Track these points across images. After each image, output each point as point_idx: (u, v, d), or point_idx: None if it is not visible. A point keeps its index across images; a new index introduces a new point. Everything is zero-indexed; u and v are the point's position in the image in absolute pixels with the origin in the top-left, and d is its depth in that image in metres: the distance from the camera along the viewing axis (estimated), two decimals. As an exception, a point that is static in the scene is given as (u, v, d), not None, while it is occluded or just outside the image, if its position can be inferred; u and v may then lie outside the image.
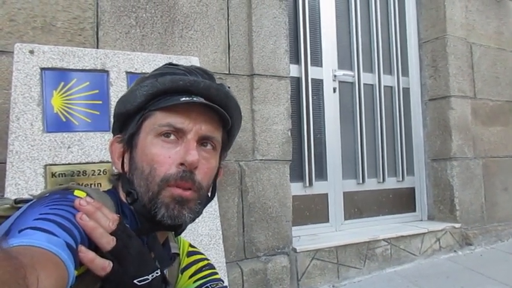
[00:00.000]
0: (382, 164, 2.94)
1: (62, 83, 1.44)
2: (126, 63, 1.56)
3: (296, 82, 2.61)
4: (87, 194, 0.61)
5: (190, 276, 0.81)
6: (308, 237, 2.49)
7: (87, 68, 1.49)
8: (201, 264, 0.84)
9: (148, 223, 0.66)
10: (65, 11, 1.73)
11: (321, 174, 2.71)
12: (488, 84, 3.24)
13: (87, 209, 0.55)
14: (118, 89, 1.51)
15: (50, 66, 1.42)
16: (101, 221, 0.55)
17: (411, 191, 3.11)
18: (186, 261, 0.83)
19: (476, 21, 3.23)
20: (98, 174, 1.44)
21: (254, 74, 2.18)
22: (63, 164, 1.40)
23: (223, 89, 0.71)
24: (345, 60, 2.87)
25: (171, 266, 0.74)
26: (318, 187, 2.66)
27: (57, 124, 1.41)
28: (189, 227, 0.75)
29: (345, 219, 2.76)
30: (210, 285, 0.80)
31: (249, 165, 2.13)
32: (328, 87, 2.76)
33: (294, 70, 2.55)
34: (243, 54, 2.19)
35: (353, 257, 2.38)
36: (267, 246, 2.13)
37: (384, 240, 2.51)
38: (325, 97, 2.75)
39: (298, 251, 2.20)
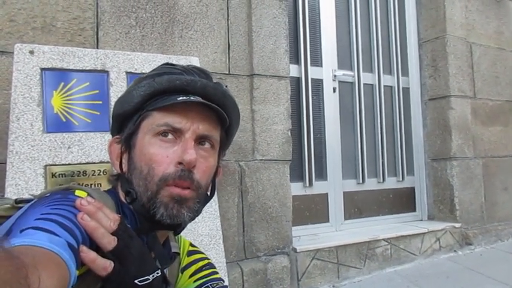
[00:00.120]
0: (382, 163, 2.94)
1: (62, 83, 1.44)
2: (126, 64, 1.57)
3: (296, 82, 2.61)
4: (88, 194, 0.61)
5: (191, 276, 0.81)
6: (308, 237, 2.49)
7: (87, 68, 1.49)
8: (201, 263, 0.84)
9: (147, 223, 0.66)
10: (65, 11, 1.73)
11: (321, 174, 2.71)
12: (488, 84, 3.24)
13: (88, 209, 0.55)
14: (118, 89, 1.51)
15: (50, 66, 1.42)
16: (102, 221, 0.55)
17: (411, 191, 3.11)
18: (186, 260, 0.83)
19: (476, 21, 3.24)
20: (98, 174, 1.44)
21: (254, 74, 2.18)
22: (63, 164, 1.40)
23: (221, 88, 0.71)
24: (344, 60, 2.87)
25: (171, 265, 0.74)
26: (318, 187, 2.66)
27: (57, 124, 1.41)
28: (189, 227, 0.75)
29: (345, 219, 2.76)
30: (211, 284, 0.80)
31: (249, 165, 2.13)
32: (328, 87, 2.76)
33: (293, 70, 2.55)
34: (243, 54, 2.19)
35: (353, 256, 2.38)
36: (267, 246, 2.14)
37: (384, 240, 2.52)
38: (325, 97, 2.75)
39: (298, 251, 2.20)
